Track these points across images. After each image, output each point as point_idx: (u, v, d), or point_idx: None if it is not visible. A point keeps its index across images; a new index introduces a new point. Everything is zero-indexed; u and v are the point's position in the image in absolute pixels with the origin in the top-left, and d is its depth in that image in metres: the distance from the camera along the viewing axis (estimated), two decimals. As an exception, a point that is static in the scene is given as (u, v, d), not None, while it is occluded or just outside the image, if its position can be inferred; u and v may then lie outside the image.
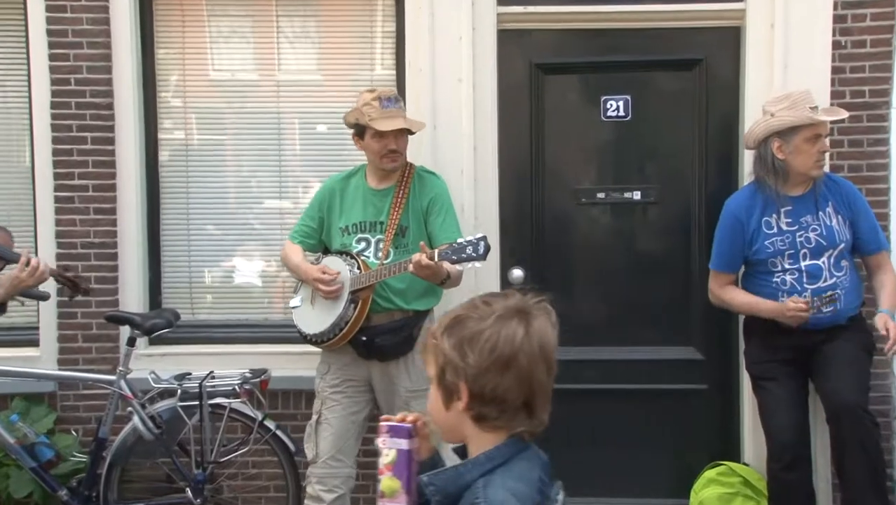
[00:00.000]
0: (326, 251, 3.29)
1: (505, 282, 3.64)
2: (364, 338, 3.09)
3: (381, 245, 3.13)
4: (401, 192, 3.17)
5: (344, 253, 3.15)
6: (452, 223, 3.20)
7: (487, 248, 2.83)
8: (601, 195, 3.68)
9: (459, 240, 2.87)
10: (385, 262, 3.08)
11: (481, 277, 3.52)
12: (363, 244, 3.16)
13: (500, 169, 3.66)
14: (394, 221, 3.14)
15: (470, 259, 2.84)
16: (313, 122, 3.85)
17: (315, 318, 3.13)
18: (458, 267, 2.87)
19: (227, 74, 3.87)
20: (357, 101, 3.17)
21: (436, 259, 2.86)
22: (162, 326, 3.47)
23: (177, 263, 3.89)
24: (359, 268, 3.07)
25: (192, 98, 3.86)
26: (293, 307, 3.25)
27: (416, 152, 3.57)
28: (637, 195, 3.65)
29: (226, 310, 3.92)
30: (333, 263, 3.14)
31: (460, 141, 3.60)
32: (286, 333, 3.68)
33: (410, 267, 2.88)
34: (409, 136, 3.25)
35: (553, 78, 3.67)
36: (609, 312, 3.73)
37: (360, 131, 3.14)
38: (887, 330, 3.02)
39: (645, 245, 3.73)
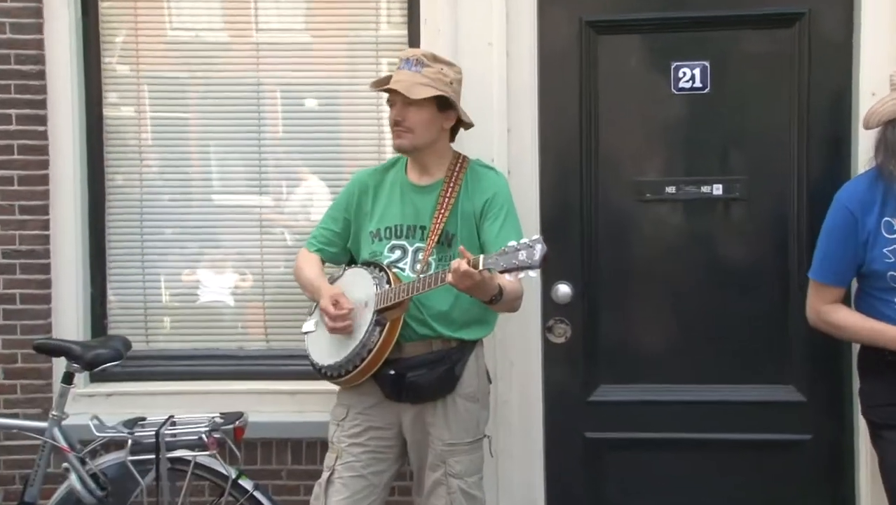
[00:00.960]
0: (351, 262, 3.31)
1: (548, 300, 3.62)
2: (392, 372, 3.08)
3: (419, 255, 3.14)
4: (449, 189, 3.17)
5: (372, 264, 3.16)
6: (512, 231, 3.13)
7: (546, 254, 2.78)
8: (671, 190, 3.62)
9: (511, 243, 2.82)
10: (420, 273, 3.07)
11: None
12: (397, 253, 3.17)
13: (542, 157, 3.64)
14: (437, 226, 3.14)
15: (522, 268, 2.78)
16: (301, 96, 3.85)
17: (331, 345, 3.13)
18: (509, 278, 2.78)
19: (191, 35, 3.86)
20: None
21: (480, 267, 2.83)
22: (107, 357, 3.42)
23: (127, 277, 3.87)
24: (388, 282, 3.06)
25: (147, 65, 3.85)
26: (306, 332, 3.25)
27: None
28: (718, 190, 3.60)
29: (190, 337, 3.89)
30: (356, 279, 3.14)
31: (490, 122, 3.57)
32: (268, 367, 3.78)
33: (449, 277, 2.85)
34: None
35: (609, 40, 3.63)
36: (682, 340, 3.67)
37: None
38: None
39: (728, 254, 3.67)
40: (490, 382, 3.30)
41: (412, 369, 3.09)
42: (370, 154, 3.75)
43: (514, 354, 3.62)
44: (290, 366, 3.72)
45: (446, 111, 3.14)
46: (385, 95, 3.21)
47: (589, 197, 3.67)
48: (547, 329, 3.67)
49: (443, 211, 3.15)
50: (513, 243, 2.82)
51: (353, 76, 3.78)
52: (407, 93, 3.05)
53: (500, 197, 3.18)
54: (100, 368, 3.47)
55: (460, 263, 2.83)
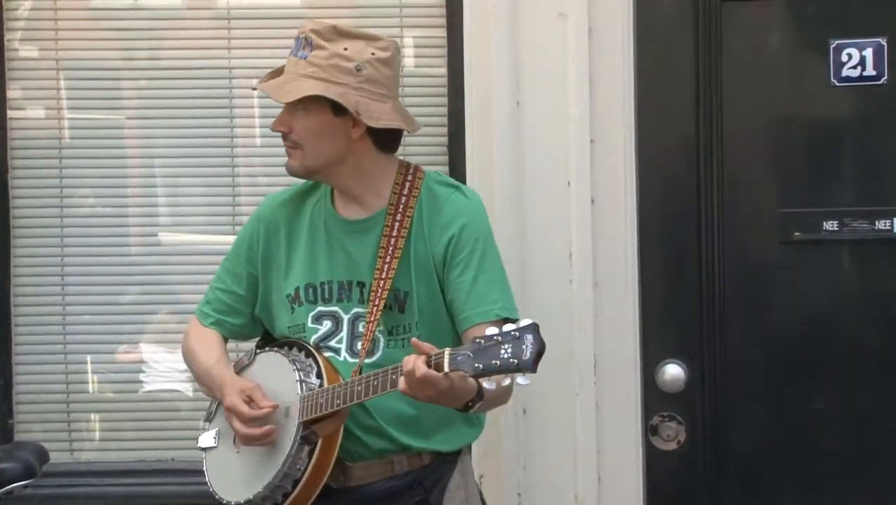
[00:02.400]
0: (267, 339, 3.19)
1: (651, 388, 3.62)
2: None
3: (359, 328, 3.01)
4: (395, 224, 3.04)
5: (293, 345, 3.04)
6: (494, 284, 3.01)
7: (539, 349, 2.61)
8: (831, 226, 3.60)
9: (488, 331, 2.67)
10: (374, 361, 2.95)
11: (606, 378, 3.55)
12: (327, 325, 3.06)
13: (641, 180, 3.60)
14: (383, 283, 3.00)
15: (505, 370, 2.62)
16: None
17: (242, 470, 3.04)
18: (487, 385, 2.68)
19: (130, 3, 3.88)
20: None
21: (445, 368, 2.66)
22: (13, 475, 3.33)
23: (42, 357, 3.89)
24: (318, 375, 2.94)
25: (68, 47, 3.88)
26: (204, 448, 3.16)
27: (485, 152, 3.61)
28: None
29: (132, 444, 3.89)
30: (271, 371, 3.03)
31: (564, 129, 3.54)
32: None
33: (401, 384, 2.71)
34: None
35: (739, 8, 3.60)
36: (852, 447, 3.61)
37: None
38: None
39: (921, 319, 3.56)
40: (484, 503, 3.14)
41: (371, 504, 3.01)
42: None
43: (604, 465, 3.56)
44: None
45: (351, 114, 2.96)
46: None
47: (710, 237, 3.62)
48: (650, 430, 3.61)
49: (388, 259, 3.01)
50: (491, 331, 2.66)
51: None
52: (274, 95, 2.98)
53: (471, 231, 3.01)
54: (3, 490, 3.33)
55: (416, 364, 2.67)
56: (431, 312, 3.02)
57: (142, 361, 3.91)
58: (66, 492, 3.77)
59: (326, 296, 3.06)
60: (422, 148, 3.76)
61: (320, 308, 3.06)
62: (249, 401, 2.93)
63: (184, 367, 3.77)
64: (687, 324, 3.64)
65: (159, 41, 3.86)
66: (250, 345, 3.20)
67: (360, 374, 2.90)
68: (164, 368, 3.90)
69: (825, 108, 3.61)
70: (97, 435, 3.90)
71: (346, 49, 2.96)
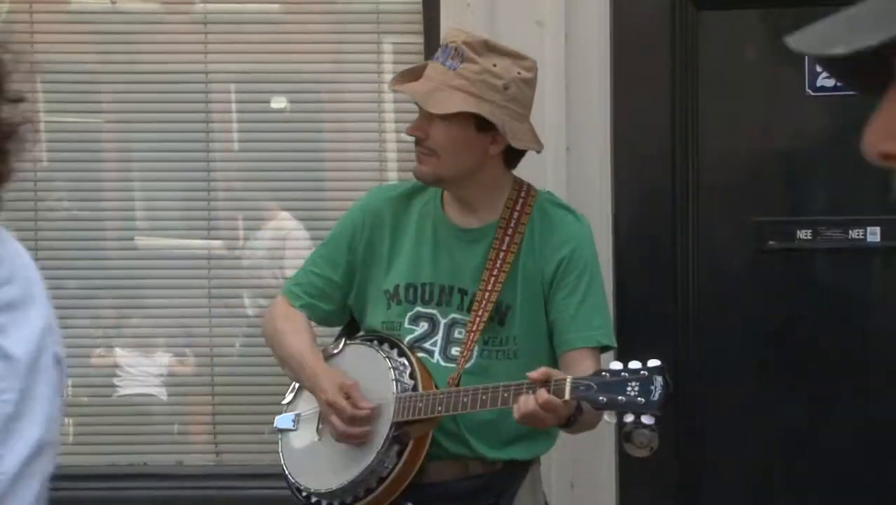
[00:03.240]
0: (351, 329, 3.22)
1: None
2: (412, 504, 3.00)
3: (455, 333, 3.05)
4: (506, 239, 3.05)
5: (385, 341, 3.06)
6: (597, 310, 3.05)
7: (669, 393, 2.72)
8: (805, 235, 3.60)
9: (613, 365, 2.77)
10: (465, 369, 2.98)
11: None
12: (423, 327, 3.08)
13: (616, 188, 3.62)
14: (489, 294, 3.02)
15: (630, 407, 2.73)
16: (267, 94, 3.90)
17: (324, 459, 3.06)
18: (608, 418, 2.78)
19: (105, 4, 3.88)
20: None
21: (566, 396, 2.72)
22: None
23: None
24: (412, 375, 2.97)
25: (44, 50, 3.86)
26: (280, 429, 3.16)
27: None
28: (874, 235, 3.58)
29: (105, 447, 3.88)
30: (362, 364, 3.05)
31: (540, 135, 3.25)
32: (218, 490, 3.73)
33: (515, 410, 2.75)
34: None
35: (715, 17, 3.63)
36: (829, 457, 3.60)
37: None
38: None
39: (892, 328, 3.65)
40: None
41: (439, 503, 3.03)
42: (367, 179, 3.67)
43: (577, 472, 3.57)
44: (249, 489, 3.69)
45: (493, 131, 2.96)
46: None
47: (685, 245, 3.63)
48: (624, 437, 3.55)
49: (495, 272, 3.03)
50: (616, 366, 2.75)
51: (341, 66, 3.84)
52: (423, 103, 2.94)
53: (581, 255, 3.05)
54: None
55: (539, 392, 2.73)
56: (531, 329, 3.04)
57: (115, 366, 3.90)
58: (64, 496, 3.68)
59: (427, 297, 3.08)
60: (399, 153, 3.80)
61: (419, 308, 3.08)
62: (349, 397, 2.95)
63: (158, 371, 3.91)
64: (661, 331, 3.63)
65: (136, 45, 3.88)
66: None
67: (459, 382, 2.95)
68: (137, 373, 3.90)
69: (800, 117, 3.64)
70: (69, 438, 3.84)
71: (495, 65, 2.97)
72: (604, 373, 2.76)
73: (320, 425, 3.06)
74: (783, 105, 3.62)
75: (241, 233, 3.88)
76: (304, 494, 3.05)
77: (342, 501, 2.99)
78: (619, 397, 2.71)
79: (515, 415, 2.76)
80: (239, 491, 3.66)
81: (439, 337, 3.06)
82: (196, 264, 3.82)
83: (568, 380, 2.73)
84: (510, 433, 3.01)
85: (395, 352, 3.01)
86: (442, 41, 3.02)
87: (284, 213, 3.85)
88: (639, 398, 2.71)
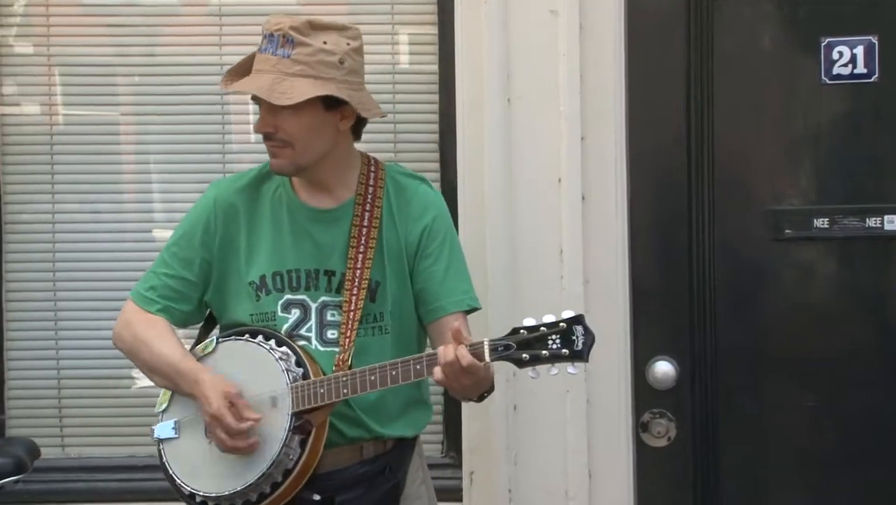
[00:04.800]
0: (207, 326, 3.20)
1: (642, 386, 3.62)
2: (317, 497, 2.98)
3: (328, 317, 3.03)
4: (366, 214, 3.07)
5: (259, 333, 3.02)
6: (461, 274, 3.10)
7: (592, 339, 2.72)
8: (822, 223, 3.61)
9: (527, 321, 2.73)
10: (349, 351, 2.97)
11: (597, 374, 3.50)
12: (296, 314, 3.06)
13: (632, 177, 3.62)
14: (361, 273, 3.04)
15: (558, 358, 2.71)
16: None
17: (220, 461, 2.99)
18: (532, 374, 2.76)
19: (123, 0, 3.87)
20: None
21: (486, 358, 2.73)
22: (4, 470, 3.36)
23: (34, 352, 3.91)
24: (299, 363, 2.95)
25: (60, 43, 3.88)
26: (162, 439, 3.09)
27: (476, 148, 3.61)
28: (892, 223, 3.59)
29: (125, 439, 3.88)
30: (243, 360, 3.01)
31: (556, 126, 3.55)
32: None
33: (437, 372, 2.74)
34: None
35: (730, 5, 3.61)
36: (843, 445, 3.63)
37: None
38: None
39: (911, 317, 3.58)
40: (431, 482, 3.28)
41: (343, 490, 3.01)
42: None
43: (594, 462, 3.58)
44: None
45: (341, 107, 2.96)
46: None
47: (701, 234, 3.64)
48: (641, 427, 3.64)
49: (362, 248, 3.04)
50: (530, 322, 2.73)
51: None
52: (269, 98, 2.93)
53: (440, 223, 3.09)
54: None
55: (459, 353, 2.72)
56: (401, 302, 3.06)
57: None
58: (57, 487, 3.80)
59: (294, 284, 3.06)
60: (413, 145, 3.81)
61: (288, 296, 3.06)
62: (232, 406, 2.90)
63: None
64: (677, 321, 3.64)
65: (152, 38, 3.87)
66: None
67: (349, 363, 2.93)
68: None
69: (816, 105, 3.61)
70: (89, 431, 3.90)
71: (325, 43, 2.96)
72: (521, 330, 2.73)
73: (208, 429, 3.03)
74: (799, 93, 3.60)
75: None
76: (201, 500, 3.01)
77: (246, 500, 2.96)
78: (543, 352, 2.70)
79: (437, 376, 2.74)
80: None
81: (313, 322, 3.05)
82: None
83: (485, 342, 2.73)
84: (395, 410, 3.06)
85: (272, 342, 2.99)
86: (264, 31, 2.98)
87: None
88: (563, 350, 2.69)
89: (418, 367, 2.81)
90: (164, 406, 3.10)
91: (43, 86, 3.86)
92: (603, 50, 3.56)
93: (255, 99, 2.98)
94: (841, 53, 3.57)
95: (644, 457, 3.64)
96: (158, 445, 3.07)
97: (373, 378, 2.86)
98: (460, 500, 3.67)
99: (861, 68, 3.57)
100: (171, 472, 3.04)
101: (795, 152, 3.64)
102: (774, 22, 3.64)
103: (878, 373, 3.63)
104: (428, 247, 3.07)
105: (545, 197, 3.54)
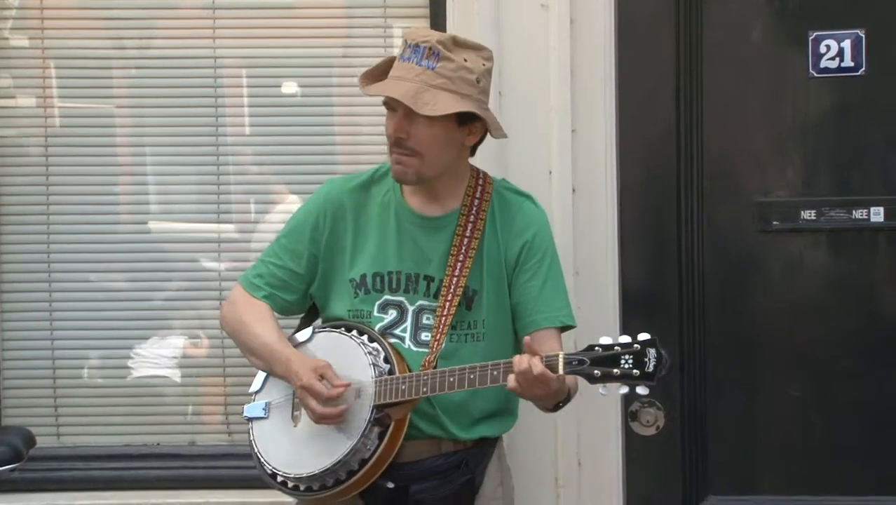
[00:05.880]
0: (310, 316, 3.24)
1: None
2: (391, 485, 3.02)
3: (424, 320, 3.08)
4: (469, 226, 3.11)
5: (356, 329, 3.07)
6: (558, 291, 3.13)
7: (663, 364, 2.78)
8: (809, 215, 3.63)
9: (603, 341, 2.80)
10: (436, 353, 3.01)
11: None
12: (392, 314, 3.11)
13: (622, 171, 3.64)
14: (457, 280, 3.07)
15: (625, 379, 2.78)
16: (276, 79, 3.90)
17: (302, 445, 3.04)
18: (602, 392, 2.83)
19: (117, -8, 3.86)
20: None
21: (560, 371, 2.78)
22: (1, 459, 3.40)
23: (29, 341, 3.91)
24: (387, 360, 3.00)
25: (55, 36, 3.88)
26: (251, 418, 3.14)
27: None
28: (878, 215, 3.60)
29: (119, 428, 3.89)
30: (336, 351, 3.05)
31: (546, 119, 3.58)
32: (229, 469, 3.77)
33: (511, 382, 2.80)
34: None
35: (718, 0, 3.61)
36: (826, 432, 3.66)
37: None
38: None
39: (893, 306, 3.69)
40: (512, 488, 3.30)
41: (418, 480, 3.05)
42: (375, 159, 3.56)
43: (584, 450, 3.61)
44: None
45: (470, 123, 3.00)
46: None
47: (690, 226, 3.65)
48: (630, 416, 3.66)
49: (461, 258, 3.08)
50: (606, 340, 2.79)
51: (349, 50, 3.81)
52: (414, 106, 2.95)
53: (542, 240, 3.14)
54: None
55: (532, 363, 2.77)
56: (497, 312, 3.10)
57: (129, 347, 3.91)
58: (53, 476, 3.80)
59: (394, 286, 3.11)
60: None
61: (387, 297, 3.11)
62: (321, 379, 2.96)
63: (171, 353, 3.89)
64: (666, 311, 3.66)
65: (146, 31, 3.86)
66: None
67: (436, 365, 3.00)
68: (151, 355, 3.92)
69: (804, 99, 3.62)
70: (84, 420, 3.92)
71: (466, 60, 3.00)
72: (596, 347, 2.80)
73: (295, 412, 3.08)
74: (787, 86, 3.61)
75: (251, 216, 3.88)
76: (281, 480, 3.06)
77: (322, 484, 3.00)
78: (614, 371, 2.76)
79: (511, 384, 2.79)
80: (251, 470, 3.64)
81: (408, 323, 3.09)
82: (207, 248, 3.85)
83: (560, 355, 2.79)
84: (479, 413, 3.10)
85: (365, 337, 3.03)
86: (410, 40, 3.01)
87: (293, 197, 3.83)
88: (634, 370, 2.76)
89: (495, 372, 2.87)
90: (257, 388, 3.16)
91: (37, 78, 3.86)
92: (593, 44, 3.57)
93: (388, 104, 3.01)
94: (828, 47, 3.58)
95: (633, 445, 3.65)
96: (248, 424, 3.13)
97: (451, 379, 2.92)
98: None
99: (848, 62, 3.58)
100: (255, 449, 3.11)
101: (783, 145, 3.65)
102: (762, 16, 3.63)
103: (865, 363, 3.64)
104: (527, 262, 3.11)
105: (536, 189, 3.40)
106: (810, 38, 3.58)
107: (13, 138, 3.89)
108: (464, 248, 3.09)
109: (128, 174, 3.93)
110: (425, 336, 3.06)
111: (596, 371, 2.78)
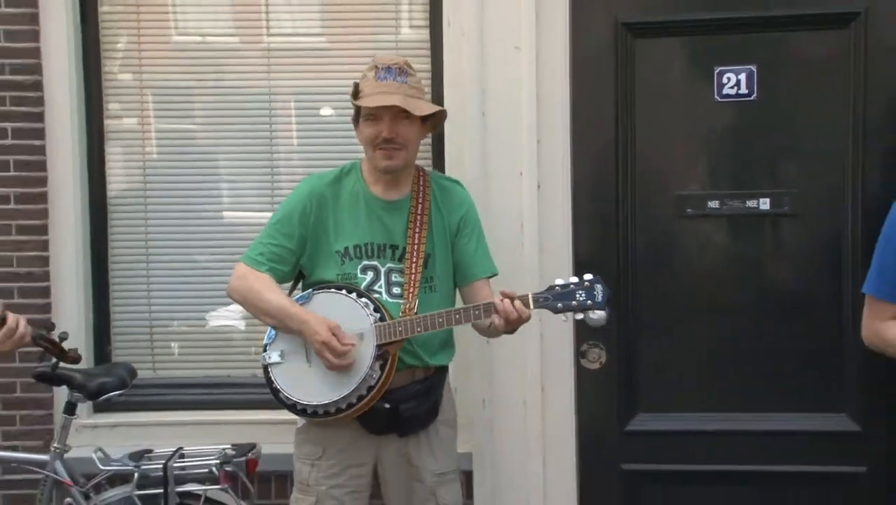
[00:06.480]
0: (298, 281, 3.28)
1: (581, 324, 3.41)
2: (388, 405, 3.11)
3: (393, 278, 3.16)
4: (419, 206, 3.20)
5: (347, 288, 3.12)
6: (487, 251, 3.30)
7: (610, 294, 2.96)
8: (714, 205, 3.67)
9: (559, 281, 2.98)
10: (413, 302, 3.08)
11: (548, 316, 3.36)
12: (370, 275, 3.18)
13: (575, 170, 3.69)
14: (419, 246, 3.16)
15: (584, 308, 2.94)
16: (316, 104, 3.93)
17: (319, 380, 3.09)
18: (563, 318, 2.99)
19: (197, 39, 3.97)
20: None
21: (531, 306, 2.95)
22: (112, 386, 3.50)
23: (132, 300, 3.97)
24: (377, 310, 3.07)
25: (150, 72, 3.93)
26: (270, 363, 3.14)
27: (459, 148, 3.70)
28: (765, 204, 3.65)
29: (200, 364, 3.97)
30: (335, 306, 3.09)
31: (518, 132, 3.66)
32: None
33: (496, 318, 2.95)
34: (435, 128, 3.22)
35: (647, 43, 3.68)
36: (727, 366, 3.72)
37: (356, 116, 3.19)
38: None
39: (777, 273, 3.73)
40: (456, 410, 3.42)
41: (405, 401, 3.14)
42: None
43: (546, 381, 3.69)
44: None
45: (426, 122, 3.20)
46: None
47: (626, 212, 3.72)
48: (580, 354, 3.72)
49: (418, 230, 3.18)
50: (561, 281, 2.97)
51: None
52: (411, 109, 3.06)
53: (472, 213, 3.29)
54: (104, 397, 3.52)
55: (516, 305, 2.93)
56: (444, 268, 3.22)
57: (207, 304, 3.95)
58: (150, 399, 3.91)
59: (369, 253, 3.18)
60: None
61: (365, 262, 3.18)
62: (334, 336, 3.02)
63: (236, 308, 3.83)
64: (608, 277, 3.47)
65: (219, 67, 3.93)
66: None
67: (415, 310, 3.08)
68: (223, 310, 3.97)
69: (710, 117, 3.69)
70: (173, 357, 4.00)
71: (419, 78, 3.21)
72: (555, 287, 2.98)
73: (309, 356, 3.09)
74: (698, 108, 3.68)
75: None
76: (301, 407, 3.10)
77: (338, 408, 3.07)
78: (572, 302, 2.94)
79: (496, 322, 2.96)
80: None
81: (382, 281, 3.16)
82: (259, 229, 3.78)
83: (529, 295, 2.98)
84: (438, 344, 3.23)
85: (354, 294, 3.10)
86: (381, 64, 3.11)
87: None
88: (587, 301, 2.95)
89: (477, 312, 3.01)
90: (269, 340, 3.16)
91: (137, 104, 3.93)
92: (554, 77, 3.65)
93: (374, 115, 3.07)
94: (729, 79, 3.64)
95: (582, 376, 3.75)
96: (267, 368, 3.12)
97: (440, 320, 3.04)
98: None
99: (744, 90, 3.63)
100: (276, 386, 3.12)
101: (695, 152, 3.72)
102: (679, 55, 3.70)
103: (755, 313, 3.70)
104: (463, 230, 3.24)
105: (510, 185, 3.65)
106: (716, 71, 3.64)
107: (119, 150, 3.95)
108: (418, 222, 3.18)
109: (205, 175, 3.95)
110: (396, 290, 3.15)
111: (559, 304, 2.94)
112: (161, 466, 3.44)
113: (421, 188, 3.23)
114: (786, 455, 3.69)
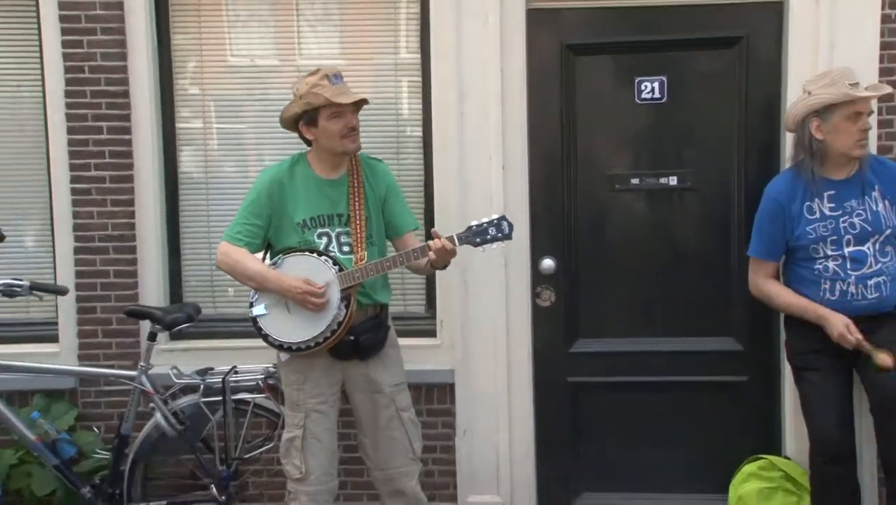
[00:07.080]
0: (267, 251, 3.29)
1: (536, 272, 3.85)
2: (352, 337, 3.18)
3: (342, 239, 3.21)
4: (355, 181, 3.24)
5: (308, 251, 3.17)
6: (409, 211, 3.37)
7: (512, 227, 3.05)
8: (635, 181, 3.80)
9: (474, 222, 3.07)
10: (362, 254, 3.12)
11: (511, 266, 3.75)
12: (325, 239, 3.23)
13: (531, 155, 3.81)
14: (359, 213, 3.19)
15: (496, 239, 3.05)
16: None
17: (298, 324, 3.14)
18: (481, 250, 3.05)
19: (246, 60, 4.03)
20: (297, 89, 3.21)
21: (456, 244, 3.05)
22: (183, 320, 3.59)
23: (197, 255, 4.03)
24: (335, 263, 3.14)
25: (210, 85, 4.00)
26: (257, 315, 3.18)
27: (443, 139, 3.77)
28: (673, 181, 3.77)
29: (242, 302, 3.87)
30: (303, 265, 3.14)
31: (487, 127, 3.75)
32: None
33: (431, 255, 3.04)
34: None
35: (585, 59, 3.80)
36: (644, 302, 3.88)
37: (312, 117, 3.17)
38: None
39: (682, 233, 3.86)
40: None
41: (363, 333, 3.21)
42: (389, 159, 3.69)
43: (509, 314, 3.77)
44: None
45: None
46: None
47: (570, 188, 3.82)
48: (535, 295, 3.87)
49: (357, 200, 3.20)
50: (476, 222, 3.08)
51: (377, 94, 3.82)
52: (369, 102, 3.19)
53: (394, 183, 3.36)
54: (177, 328, 3.61)
55: (444, 243, 3.03)
56: (378, 227, 3.28)
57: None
58: (212, 330, 3.87)
59: (322, 222, 3.23)
60: (411, 141, 3.87)
61: (319, 229, 3.22)
62: (308, 284, 3.10)
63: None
64: (558, 236, 3.82)
65: (264, 83, 3.93)
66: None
67: (365, 260, 3.13)
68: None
69: (633, 116, 3.80)
70: (229, 298, 3.97)
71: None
72: (472, 227, 3.08)
73: (289, 306, 3.13)
74: (623, 109, 3.77)
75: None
76: (287, 346, 3.14)
77: (316, 342, 3.13)
78: (487, 236, 3.07)
79: (433, 256, 3.03)
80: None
81: (335, 243, 3.20)
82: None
83: (454, 235, 3.08)
84: (379, 286, 3.28)
85: (315, 255, 3.16)
86: (331, 72, 3.13)
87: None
88: (498, 234, 3.08)
89: (416, 254, 3.12)
90: (255, 298, 3.21)
91: (200, 110, 3.94)
92: (514, 84, 3.71)
93: (337, 111, 3.08)
94: (646, 86, 3.72)
95: (537, 313, 3.84)
96: (255, 320, 3.17)
97: (388, 263, 3.16)
98: (434, 335, 3.82)
99: (657, 95, 3.72)
100: (265, 332, 3.20)
101: (621, 142, 3.80)
102: (609, 70, 3.79)
103: (666, 266, 3.77)
104: (389, 197, 3.31)
105: (482, 167, 3.69)
106: (636, 81, 3.74)
107: (187, 144, 3.93)
108: (356, 194, 3.21)
109: (252, 164, 3.90)
110: (346, 248, 3.20)
111: (477, 239, 3.06)
112: (220, 379, 3.54)
113: (354, 168, 3.25)
114: (689, 369, 3.82)
